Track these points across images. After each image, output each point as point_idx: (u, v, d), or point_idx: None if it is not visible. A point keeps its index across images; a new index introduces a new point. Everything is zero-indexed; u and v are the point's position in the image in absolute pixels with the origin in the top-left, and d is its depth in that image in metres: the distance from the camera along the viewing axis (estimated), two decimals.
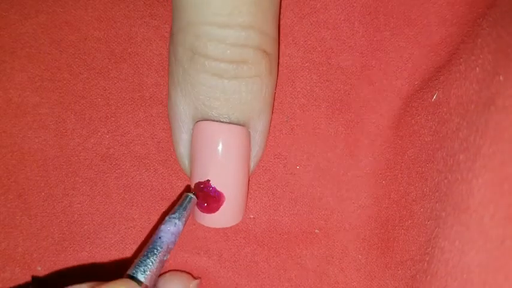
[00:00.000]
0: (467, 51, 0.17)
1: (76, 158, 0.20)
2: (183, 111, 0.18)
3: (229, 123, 0.17)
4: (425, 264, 0.16)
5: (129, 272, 0.16)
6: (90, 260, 0.19)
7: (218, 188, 0.17)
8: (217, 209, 0.18)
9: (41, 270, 0.19)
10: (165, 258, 0.16)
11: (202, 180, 0.17)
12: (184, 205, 0.17)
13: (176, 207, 0.17)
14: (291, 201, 0.20)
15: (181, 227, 0.17)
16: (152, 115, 0.20)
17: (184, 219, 0.17)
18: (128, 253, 0.20)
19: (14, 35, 0.19)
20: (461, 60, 0.17)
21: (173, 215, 0.17)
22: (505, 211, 0.13)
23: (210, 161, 0.17)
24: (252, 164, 0.19)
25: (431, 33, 0.19)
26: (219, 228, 0.20)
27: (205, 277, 0.20)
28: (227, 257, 0.20)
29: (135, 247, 0.20)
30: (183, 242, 0.20)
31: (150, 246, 0.16)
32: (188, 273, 0.20)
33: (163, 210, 0.20)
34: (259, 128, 0.18)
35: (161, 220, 0.19)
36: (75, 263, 0.19)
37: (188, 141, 0.18)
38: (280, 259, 0.20)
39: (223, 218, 0.18)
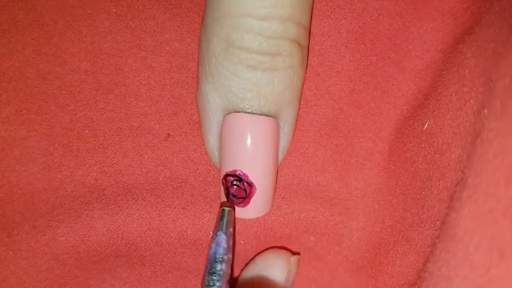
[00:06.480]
0: (454, 80, 0.17)
1: (63, 190, 0.19)
2: (214, 103, 0.17)
3: (260, 114, 0.17)
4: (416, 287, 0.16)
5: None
6: None
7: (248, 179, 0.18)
8: (248, 200, 0.18)
9: None
10: (223, 268, 0.17)
11: (231, 170, 0.18)
12: (220, 219, 0.18)
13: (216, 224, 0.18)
14: (282, 225, 0.20)
15: (223, 236, 0.17)
16: (140, 145, 0.20)
17: (225, 229, 0.18)
18: None
19: (0, 69, 0.19)
20: (450, 90, 0.17)
21: (215, 231, 0.18)
22: (489, 241, 0.13)
23: (240, 152, 0.17)
24: (281, 156, 0.19)
25: (415, 58, 0.20)
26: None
27: None
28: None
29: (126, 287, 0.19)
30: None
31: (207, 265, 0.17)
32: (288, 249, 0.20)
33: (149, 242, 0.20)
34: (288, 120, 0.18)
35: None
36: None
37: (218, 133, 0.18)
38: None
39: (253, 208, 0.18)
